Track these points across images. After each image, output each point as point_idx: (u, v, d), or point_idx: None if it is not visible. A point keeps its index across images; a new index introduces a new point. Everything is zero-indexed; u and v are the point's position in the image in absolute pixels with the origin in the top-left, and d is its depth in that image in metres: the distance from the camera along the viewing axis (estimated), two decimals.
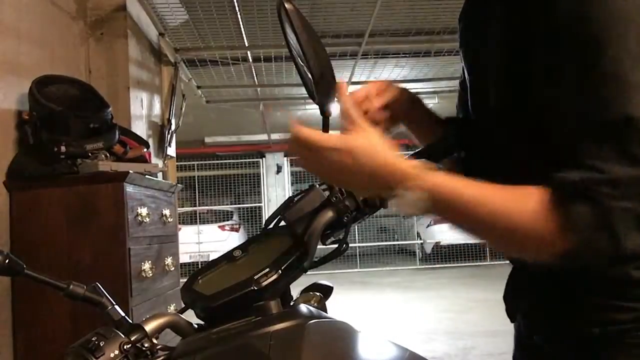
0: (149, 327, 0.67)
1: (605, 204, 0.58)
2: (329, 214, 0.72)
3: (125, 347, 0.63)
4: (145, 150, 2.41)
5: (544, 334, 0.77)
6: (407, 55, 4.91)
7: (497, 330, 4.63)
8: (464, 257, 10.50)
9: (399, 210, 0.65)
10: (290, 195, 0.78)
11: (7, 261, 0.65)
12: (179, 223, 3.26)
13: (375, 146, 0.65)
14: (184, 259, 8.37)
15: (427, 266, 10.60)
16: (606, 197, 0.57)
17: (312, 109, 6.06)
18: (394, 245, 13.02)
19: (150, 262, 2.16)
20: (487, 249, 11.62)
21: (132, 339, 0.65)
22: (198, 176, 11.37)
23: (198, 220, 10.64)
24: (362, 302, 6.78)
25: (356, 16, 4.02)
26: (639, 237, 0.59)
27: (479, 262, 10.35)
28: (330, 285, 0.85)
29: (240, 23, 3.82)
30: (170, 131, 3.65)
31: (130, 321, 0.68)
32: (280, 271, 0.65)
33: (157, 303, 2.24)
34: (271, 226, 0.75)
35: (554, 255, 0.60)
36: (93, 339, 0.63)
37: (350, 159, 0.64)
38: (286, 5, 0.64)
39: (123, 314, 0.68)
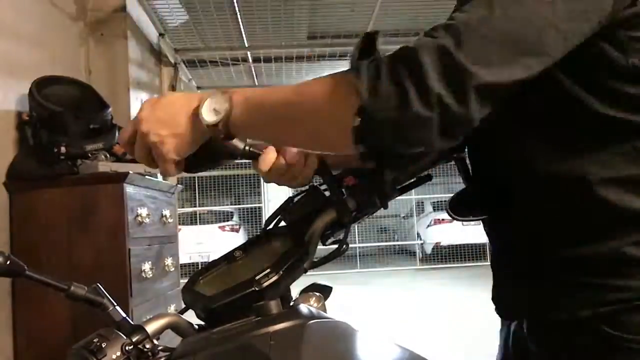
0: (150, 328, 0.67)
1: (388, 57, 0.56)
2: (329, 215, 0.73)
3: (126, 348, 0.63)
4: None
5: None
6: None
7: (499, 330, 4.62)
8: (464, 258, 10.49)
9: (202, 118, 0.64)
10: (291, 195, 0.78)
11: (8, 262, 0.66)
12: (179, 223, 3.26)
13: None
14: (183, 259, 8.37)
15: (427, 266, 10.60)
16: (391, 56, 0.57)
17: None
18: (394, 245, 13.02)
19: (150, 262, 2.16)
20: (487, 249, 11.64)
21: (133, 340, 0.65)
22: (198, 177, 11.36)
23: (198, 221, 10.64)
24: (362, 302, 6.78)
25: (356, 16, 4.02)
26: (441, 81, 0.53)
27: (479, 262, 10.34)
28: (330, 285, 0.86)
29: (240, 23, 3.82)
30: None
31: (132, 322, 0.68)
32: (280, 272, 0.65)
33: (157, 304, 2.24)
34: (271, 226, 0.75)
35: (350, 134, 0.57)
36: (95, 340, 0.63)
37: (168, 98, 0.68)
38: None
39: (124, 315, 0.68)
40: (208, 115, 0.64)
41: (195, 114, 0.65)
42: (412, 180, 0.81)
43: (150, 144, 0.67)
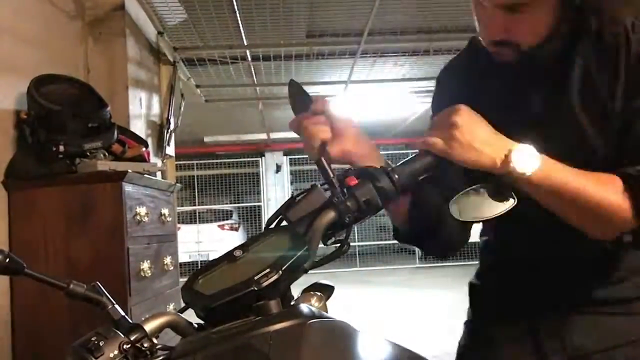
0: (148, 326, 0.67)
1: None
2: (330, 214, 0.72)
3: (124, 346, 0.63)
4: (144, 149, 2.40)
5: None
6: (406, 54, 4.91)
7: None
8: (463, 256, 10.49)
9: (514, 167, 0.76)
10: (291, 194, 0.78)
11: (7, 260, 0.65)
12: (178, 222, 3.26)
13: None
14: (183, 258, 8.37)
15: (426, 265, 10.61)
16: None
17: None
18: (393, 244, 13.02)
19: (149, 261, 2.16)
20: None
21: (131, 339, 0.64)
22: (197, 175, 11.36)
23: (197, 220, 10.64)
24: (362, 302, 6.78)
25: (355, 15, 4.02)
26: None
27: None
28: (332, 285, 0.85)
29: (239, 22, 3.82)
30: (169, 130, 3.64)
31: (130, 321, 0.67)
32: (281, 271, 0.64)
33: (156, 302, 2.24)
34: (272, 226, 0.75)
35: (630, 231, 0.79)
36: (92, 338, 0.63)
37: (473, 116, 0.79)
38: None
39: (123, 314, 0.68)
40: (519, 165, 0.76)
41: (506, 157, 0.77)
42: (415, 181, 0.80)
43: (454, 134, 0.77)
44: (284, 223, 0.74)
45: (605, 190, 0.78)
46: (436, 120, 0.81)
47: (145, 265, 2.12)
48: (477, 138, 0.77)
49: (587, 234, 0.83)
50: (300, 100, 0.85)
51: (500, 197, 0.78)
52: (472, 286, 1.15)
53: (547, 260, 0.94)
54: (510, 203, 0.78)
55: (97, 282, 0.70)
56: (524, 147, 0.77)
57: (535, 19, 0.83)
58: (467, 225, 0.94)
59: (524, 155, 0.76)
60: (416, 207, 0.91)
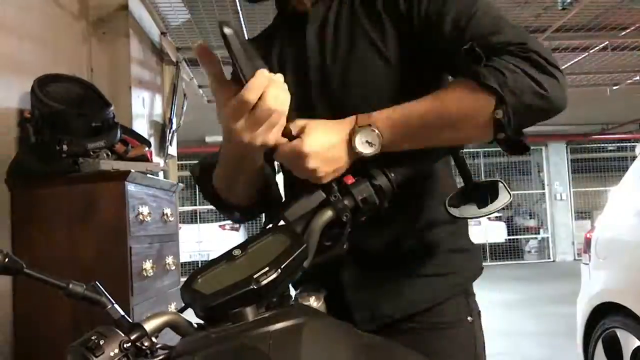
0: (148, 326, 0.67)
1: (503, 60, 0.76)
2: (328, 213, 0.73)
3: (125, 345, 0.63)
4: (146, 149, 2.41)
5: None
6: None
7: (498, 329, 4.62)
8: None
9: (359, 152, 0.75)
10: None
11: (6, 260, 0.66)
12: (180, 222, 3.27)
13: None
14: (184, 258, 8.37)
15: None
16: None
17: None
18: None
19: (151, 261, 2.17)
20: (487, 249, 11.63)
21: (132, 338, 0.65)
22: None
23: (198, 220, 10.64)
24: None
25: None
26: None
27: None
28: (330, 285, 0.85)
29: (242, 22, 3.82)
30: (172, 130, 3.65)
31: (130, 320, 0.68)
32: (279, 270, 0.65)
33: (157, 302, 2.24)
34: (270, 225, 0.75)
35: (496, 120, 0.74)
36: (93, 337, 0.63)
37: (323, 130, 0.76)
38: (225, 31, 0.70)
39: (123, 313, 0.68)
40: (365, 148, 0.75)
41: (350, 147, 0.76)
42: (412, 179, 0.81)
43: (310, 171, 0.75)
44: (282, 222, 0.74)
45: (456, 96, 0.77)
46: (279, 155, 0.77)
47: (148, 264, 2.12)
48: (330, 159, 0.76)
49: (471, 142, 0.83)
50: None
51: (494, 194, 0.79)
52: None
53: None
54: (507, 199, 0.79)
55: (97, 282, 0.70)
56: (359, 130, 0.76)
57: None
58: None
59: (364, 137, 0.76)
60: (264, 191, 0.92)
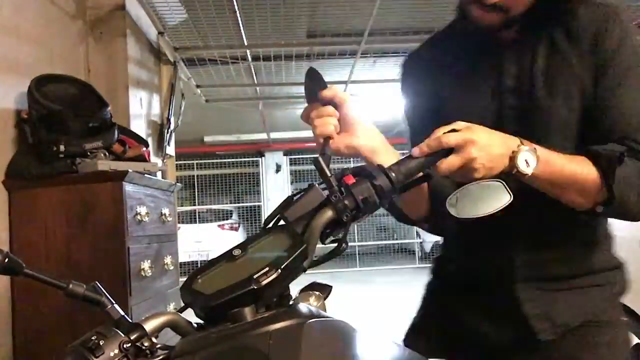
0: (148, 326, 0.67)
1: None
2: (328, 213, 0.72)
3: (125, 346, 0.63)
4: (144, 149, 2.41)
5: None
6: (407, 54, 4.90)
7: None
8: None
9: (518, 167, 0.83)
10: (290, 194, 0.78)
11: (6, 260, 0.65)
12: (178, 222, 3.26)
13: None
14: (183, 258, 8.37)
15: (426, 265, 10.56)
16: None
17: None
18: (393, 244, 13.02)
19: (149, 261, 2.16)
20: None
21: (131, 338, 0.64)
22: (197, 175, 11.36)
23: (197, 220, 10.63)
24: (362, 301, 6.78)
25: (355, 15, 4.01)
26: None
27: None
28: (330, 285, 0.85)
29: (240, 22, 3.82)
30: (170, 130, 3.65)
31: (130, 320, 0.68)
32: (279, 270, 0.64)
33: (156, 302, 2.24)
34: (270, 225, 0.75)
35: (601, 201, 0.89)
36: (93, 338, 0.63)
37: (485, 133, 0.83)
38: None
39: (122, 313, 0.68)
40: (523, 166, 0.83)
41: (510, 159, 0.83)
42: (413, 179, 0.81)
43: (469, 163, 0.80)
44: (282, 222, 0.74)
45: (587, 169, 0.88)
46: (447, 140, 0.81)
47: (146, 264, 2.12)
48: (494, 156, 0.82)
49: (572, 206, 0.93)
50: (312, 89, 0.87)
51: (496, 194, 0.79)
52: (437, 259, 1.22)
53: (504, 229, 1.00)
54: (507, 200, 0.79)
55: (97, 282, 0.70)
56: (525, 149, 0.83)
57: None
58: None
59: (527, 156, 0.83)
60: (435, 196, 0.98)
